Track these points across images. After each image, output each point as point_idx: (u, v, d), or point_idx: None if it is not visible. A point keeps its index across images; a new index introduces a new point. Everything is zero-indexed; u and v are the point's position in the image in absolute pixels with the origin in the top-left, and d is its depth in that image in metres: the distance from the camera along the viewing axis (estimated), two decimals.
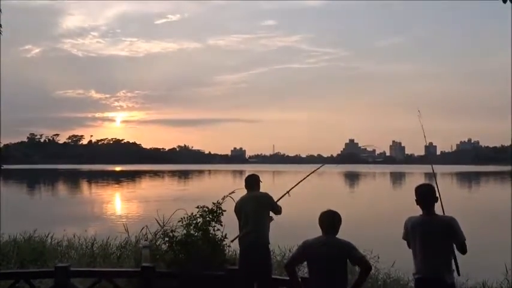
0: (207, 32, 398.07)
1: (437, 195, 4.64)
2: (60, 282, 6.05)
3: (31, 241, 9.85)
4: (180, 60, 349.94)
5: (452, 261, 4.51)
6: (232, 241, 6.42)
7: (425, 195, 4.57)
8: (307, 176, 6.86)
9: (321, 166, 7.74)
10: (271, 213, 6.05)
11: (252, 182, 6.20)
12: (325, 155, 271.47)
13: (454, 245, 4.45)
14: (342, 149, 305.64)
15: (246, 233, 5.84)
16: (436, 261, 4.38)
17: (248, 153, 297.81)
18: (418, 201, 4.58)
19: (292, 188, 6.65)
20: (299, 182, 6.73)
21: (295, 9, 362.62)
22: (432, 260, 4.38)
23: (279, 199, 6.37)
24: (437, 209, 4.66)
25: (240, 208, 6.01)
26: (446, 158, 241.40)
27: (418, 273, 4.47)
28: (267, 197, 6.03)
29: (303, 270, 5.36)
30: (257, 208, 5.87)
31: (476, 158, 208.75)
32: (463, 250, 4.43)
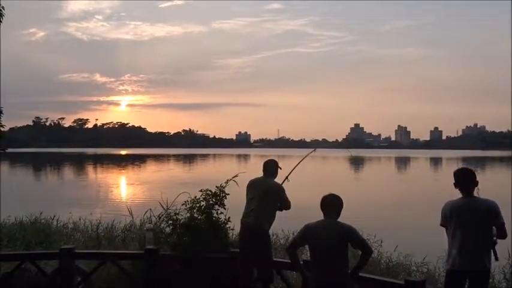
0: (212, 16, 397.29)
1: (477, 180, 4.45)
2: (65, 263, 6.13)
3: (37, 223, 9.94)
4: (185, 44, 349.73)
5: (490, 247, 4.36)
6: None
7: (466, 177, 4.47)
8: (302, 160, 6.74)
9: (313, 150, 7.48)
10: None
11: (270, 168, 6.02)
12: (330, 140, 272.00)
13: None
14: (347, 133, 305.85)
15: (247, 213, 5.79)
16: (477, 249, 4.25)
17: (253, 138, 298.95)
18: (457, 184, 4.47)
19: (290, 173, 6.44)
20: (294, 167, 6.57)
21: None
22: (473, 249, 4.25)
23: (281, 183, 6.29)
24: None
25: (250, 188, 5.92)
26: (452, 143, 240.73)
27: (454, 265, 4.31)
28: (279, 189, 5.88)
29: (306, 254, 5.37)
30: (266, 194, 5.77)
31: (482, 143, 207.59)
32: (504, 233, 4.31)
